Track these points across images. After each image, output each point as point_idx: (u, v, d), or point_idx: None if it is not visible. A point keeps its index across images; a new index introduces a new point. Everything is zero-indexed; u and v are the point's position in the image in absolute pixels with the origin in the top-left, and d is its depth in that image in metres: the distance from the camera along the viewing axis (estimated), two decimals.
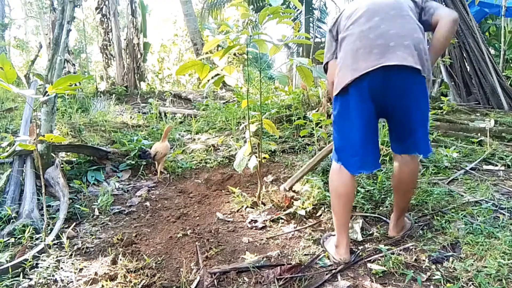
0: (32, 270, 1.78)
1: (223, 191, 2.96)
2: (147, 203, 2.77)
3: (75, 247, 2.05)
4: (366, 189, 2.41)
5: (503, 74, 6.21)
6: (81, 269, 1.81)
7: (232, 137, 4.27)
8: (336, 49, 1.83)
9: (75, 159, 3.43)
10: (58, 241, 2.09)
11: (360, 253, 1.78)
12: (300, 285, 1.58)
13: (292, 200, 2.42)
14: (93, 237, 2.20)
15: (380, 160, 1.75)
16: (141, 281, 1.67)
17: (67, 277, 1.74)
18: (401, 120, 1.68)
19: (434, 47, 1.70)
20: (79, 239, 2.16)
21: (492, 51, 8.28)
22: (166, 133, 3.40)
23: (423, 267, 1.63)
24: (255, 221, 2.29)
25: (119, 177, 3.34)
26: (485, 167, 2.88)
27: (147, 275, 1.72)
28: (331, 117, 4.47)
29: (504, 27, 6.86)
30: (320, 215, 2.26)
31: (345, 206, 1.72)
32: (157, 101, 6.40)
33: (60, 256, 1.93)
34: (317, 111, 4.25)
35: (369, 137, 1.67)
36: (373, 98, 1.61)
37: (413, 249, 1.77)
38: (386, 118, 1.76)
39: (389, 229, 1.96)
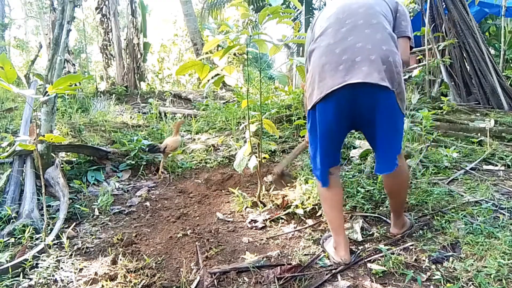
0: (32, 270, 1.78)
1: (223, 191, 2.96)
2: (147, 203, 2.77)
3: (75, 247, 2.05)
4: (366, 189, 2.41)
5: (503, 74, 6.21)
6: (81, 269, 1.81)
7: (232, 137, 4.27)
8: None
9: (75, 159, 3.43)
10: (58, 241, 2.09)
11: (360, 253, 1.78)
12: (300, 285, 1.58)
13: (290, 201, 2.42)
14: (93, 237, 2.20)
15: None
16: (141, 281, 1.67)
17: (67, 277, 1.74)
18: (370, 136, 1.69)
19: None
20: (79, 239, 2.16)
21: (492, 51, 8.27)
22: (177, 127, 3.43)
23: (423, 267, 1.62)
24: (255, 221, 2.29)
25: (119, 177, 3.34)
26: (485, 167, 2.88)
27: (147, 275, 1.72)
28: None
29: (504, 27, 6.85)
30: (320, 215, 2.26)
31: (334, 209, 1.72)
32: (157, 101, 6.40)
33: (60, 256, 1.93)
34: None
35: (331, 155, 1.69)
36: (341, 115, 1.59)
37: (413, 249, 1.77)
38: (360, 130, 1.78)
39: (390, 228, 1.98)
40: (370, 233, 1.99)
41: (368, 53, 1.51)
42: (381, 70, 1.49)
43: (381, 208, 2.26)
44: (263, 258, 1.80)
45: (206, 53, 2.77)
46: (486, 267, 1.55)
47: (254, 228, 2.22)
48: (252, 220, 2.31)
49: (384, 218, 2.13)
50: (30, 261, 1.79)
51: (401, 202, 1.86)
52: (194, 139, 4.47)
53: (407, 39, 1.70)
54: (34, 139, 1.98)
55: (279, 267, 1.67)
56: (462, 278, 1.50)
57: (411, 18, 9.94)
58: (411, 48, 1.74)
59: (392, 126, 1.61)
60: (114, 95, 7.12)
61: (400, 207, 1.87)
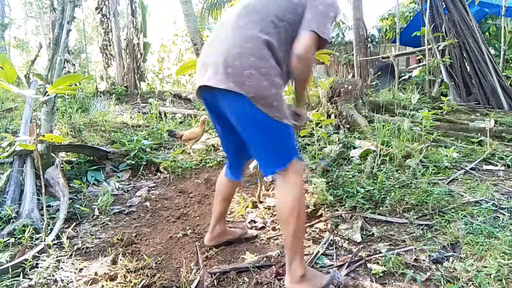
0: (32, 270, 1.78)
1: None
2: (147, 203, 2.77)
3: (75, 247, 2.05)
4: (366, 189, 2.41)
5: (503, 74, 6.22)
6: (81, 269, 1.81)
7: None
8: None
9: (75, 159, 3.42)
10: (58, 241, 2.09)
11: (360, 253, 1.78)
12: None
13: None
14: (93, 237, 2.20)
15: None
16: (141, 281, 1.67)
17: (67, 277, 1.74)
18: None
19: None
20: (79, 239, 2.16)
21: (492, 51, 8.28)
22: (201, 123, 3.65)
23: (423, 267, 1.63)
24: (255, 221, 2.29)
25: (119, 177, 3.34)
26: (485, 167, 2.88)
27: (147, 275, 1.72)
28: (330, 117, 4.46)
29: (504, 27, 6.86)
30: (321, 215, 2.26)
31: (216, 197, 1.94)
32: (157, 101, 6.39)
33: (60, 256, 1.92)
34: (317, 111, 4.25)
35: (229, 147, 1.82)
36: (213, 115, 1.70)
37: (413, 249, 1.77)
38: None
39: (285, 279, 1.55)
40: (370, 233, 1.99)
41: (217, 56, 1.46)
42: (223, 72, 1.41)
43: (381, 208, 2.26)
44: (263, 258, 1.80)
45: None
46: (486, 267, 1.55)
47: (254, 228, 2.22)
48: (252, 220, 2.31)
49: (384, 218, 2.13)
50: (30, 261, 1.79)
51: (288, 235, 1.47)
52: None
53: (308, 33, 1.41)
54: (34, 139, 1.98)
55: (279, 267, 1.67)
56: (462, 278, 1.50)
57: (411, 18, 9.94)
58: (321, 44, 1.45)
59: (249, 133, 1.50)
60: (114, 95, 7.12)
61: (288, 241, 1.48)
